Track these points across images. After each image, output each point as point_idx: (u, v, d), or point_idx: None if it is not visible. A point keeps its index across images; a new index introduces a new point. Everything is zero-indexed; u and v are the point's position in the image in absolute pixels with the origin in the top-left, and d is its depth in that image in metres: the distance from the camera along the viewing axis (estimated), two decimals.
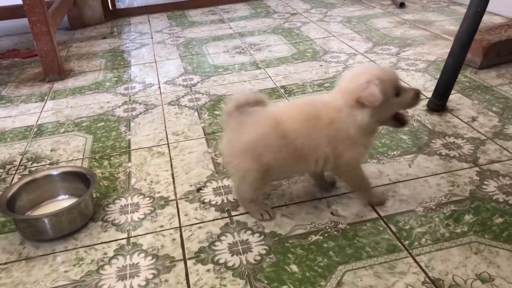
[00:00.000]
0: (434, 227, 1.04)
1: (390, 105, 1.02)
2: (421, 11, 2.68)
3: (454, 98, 1.62)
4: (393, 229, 1.05)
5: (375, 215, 1.10)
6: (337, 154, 1.03)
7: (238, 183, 1.10)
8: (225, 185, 1.25)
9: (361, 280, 0.92)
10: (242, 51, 2.27)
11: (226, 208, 1.16)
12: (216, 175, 1.29)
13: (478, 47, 1.82)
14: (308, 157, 1.04)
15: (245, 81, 1.90)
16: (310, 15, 2.79)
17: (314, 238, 1.04)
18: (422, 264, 0.95)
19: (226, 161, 1.10)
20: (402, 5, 2.78)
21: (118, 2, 3.11)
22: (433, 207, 1.10)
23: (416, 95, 1.04)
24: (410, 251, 0.98)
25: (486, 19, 2.40)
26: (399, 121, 1.07)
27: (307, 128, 1.02)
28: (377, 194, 1.15)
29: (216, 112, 1.65)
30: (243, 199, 1.13)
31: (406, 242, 1.01)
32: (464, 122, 1.46)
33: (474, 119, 1.48)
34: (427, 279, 0.91)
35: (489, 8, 2.54)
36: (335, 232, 1.05)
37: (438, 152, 1.32)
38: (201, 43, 2.42)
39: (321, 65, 2.01)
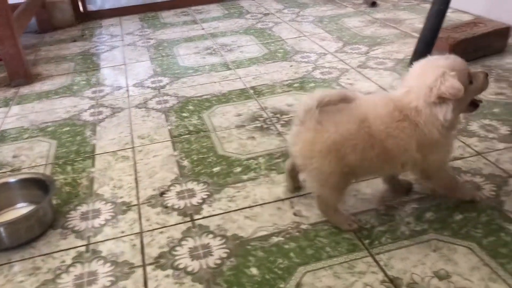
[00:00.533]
0: (395, 226, 1.04)
1: (468, 94, 0.97)
2: (392, 10, 2.70)
3: None
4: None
5: None
6: (424, 158, 0.98)
7: (320, 189, 1.02)
8: (189, 189, 1.23)
9: (320, 281, 0.92)
10: (213, 52, 2.25)
11: (189, 212, 1.15)
12: (181, 179, 1.28)
13: (444, 45, 1.84)
14: (395, 159, 0.98)
15: (215, 82, 1.89)
16: (283, 15, 2.79)
17: (275, 239, 1.03)
18: (381, 263, 0.95)
19: (303, 164, 1.00)
20: (373, 4, 2.79)
21: (89, 4, 3.06)
22: (395, 205, 1.11)
23: (486, 76, 1.01)
24: (370, 250, 0.98)
25: (455, 17, 2.43)
26: (473, 105, 1.03)
27: (396, 129, 0.95)
28: (468, 189, 1.12)
29: (183, 114, 1.64)
30: (327, 207, 1.05)
31: (367, 241, 1.01)
32: None
33: None
34: (385, 278, 0.91)
35: (458, 6, 2.58)
36: (297, 233, 1.05)
37: None
38: (172, 45, 2.40)
39: (291, 65, 2.01)
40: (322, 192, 1.02)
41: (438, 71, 0.94)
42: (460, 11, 2.53)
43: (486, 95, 1.57)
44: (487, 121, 1.43)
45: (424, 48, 1.47)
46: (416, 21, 2.44)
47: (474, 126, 1.41)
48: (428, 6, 2.69)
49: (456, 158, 1.26)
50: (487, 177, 1.18)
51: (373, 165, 0.98)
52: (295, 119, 1.01)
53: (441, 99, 0.93)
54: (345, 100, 0.96)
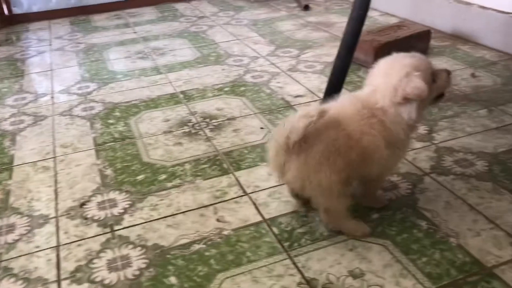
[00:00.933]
0: (314, 227, 1.06)
1: (431, 92, 0.98)
2: (324, 13, 2.76)
3: None
4: (275, 231, 1.06)
5: (259, 219, 1.10)
6: (390, 156, 0.99)
7: (326, 203, 1.00)
8: (110, 199, 1.20)
9: (238, 286, 0.92)
10: (145, 56, 2.21)
11: (109, 223, 1.11)
12: (102, 188, 1.24)
13: (369, 48, 1.90)
14: (372, 158, 0.97)
15: (144, 87, 1.86)
16: (218, 18, 2.79)
17: (197, 247, 1.02)
18: (299, 265, 0.96)
19: (301, 186, 0.98)
20: (306, 8, 2.85)
21: (14, 7, 2.92)
22: (316, 207, 1.12)
23: (448, 75, 1.02)
24: (289, 252, 0.99)
25: (383, 20, 2.52)
26: (437, 97, 1.04)
27: (367, 126, 0.95)
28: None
29: (109, 121, 1.59)
30: (338, 218, 1.02)
31: (286, 244, 1.02)
32: None
33: None
34: (302, 280, 0.92)
35: (386, 9, 2.68)
36: (219, 239, 1.04)
37: None
38: (103, 49, 2.34)
39: (223, 69, 2.00)
40: (330, 204, 1.00)
41: (403, 71, 0.95)
42: (389, 14, 2.63)
43: None
44: None
45: (346, 52, 1.51)
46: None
47: None
48: None
49: None
50: (404, 176, 1.22)
51: (356, 166, 0.98)
52: (275, 149, 0.97)
53: (406, 100, 0.95)
54: (322, 115, 0.94)
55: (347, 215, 1.03)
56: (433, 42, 2.12)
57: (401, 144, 0.99)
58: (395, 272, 0.93)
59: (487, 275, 0.91)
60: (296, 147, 0.94)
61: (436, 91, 1.02)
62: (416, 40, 2.00)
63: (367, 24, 2.47)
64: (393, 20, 2.51)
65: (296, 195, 1.11)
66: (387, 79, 0.96)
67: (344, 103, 1.01)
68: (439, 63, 1.93)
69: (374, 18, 2.60)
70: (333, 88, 1.57)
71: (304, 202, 1.11)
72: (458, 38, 2.21)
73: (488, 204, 1.10)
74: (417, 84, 0.93)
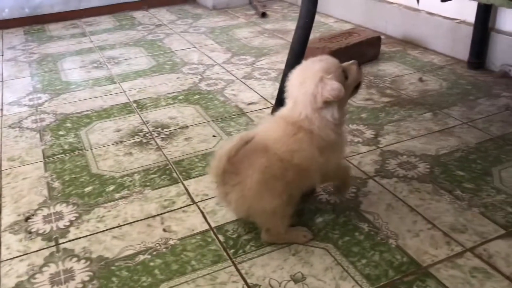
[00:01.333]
0: (259, 233, 1.08)
1: (347, 89, 1.02)
2: (281, 21, 2.80)
3: None
4: (221, 239, 1.07)
5: (206, 227, 1.11)
6: (327, 161, 1.02)
7: (269, 224, 1.02)
8: (56, 212, 1.18)
9: None
10: (100, 65, 2.19)
11: (54, 236, 1.10)
12: (49, 201, 1.23)
13: (321, 54, 1.93)
14: (310, 171, 1.00)
15: (97, 97, 1.84)
16: (175, 26, 2.79)
17: (142, 258, 1.02)
18: (243, 271, 0.97)
19: (247, 214, 1.01)
20: (263, 15, 2.88)
21: None
22: None
23: (358, 67, 1.06)
24: (234, 259, 1.01)
25: (337, 27, 2.58)
26: (355, 88, 1.09)
27: (295, 143, 0.98)
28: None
29: (60, 133, 1.57)
30: (279, 234, 1.04)
31: (232, 251, 1.03)
32: None
33: None
34: (245, 286, 0.94)
35: (340, 16, 2.74)
36: (164, 249, 1.05)
37: None
38: (57, 59, 2.30)
39: (178, 77, 2.01)
40: (272, 225, 1.02)
41: (316, 77, 0.98)
42: (343, 21, 2.69)
43: (356, 101, 1.68)
44: (354, 126, 1.53)
45: (294, 60, 1.53)
46: None
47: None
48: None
49: None
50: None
51: (299, 184, 1.01)
52: (215, 181, 1.00)
53: (327, 103, 0.98)
54: (246, 141, 0.96)
55: (287, 230, 1.04)
56: (384, 48, 2.18)
57: (334, 145, 1.03)
58: (335, 275, 0.95)
59: (423, 274, 0.95)
60: (231, 179, 0.97)
61: (351, 85, 1.06)
62: (367, 46, 2.06)
63: (322, 31, 2.53)
64: (347, 27, 2.56)
65: None
66: (303, 89, 0.99)
67: (270, 126, 1.05)
68: (389, 68, 1.98)
69: (329, 25, 2.65)
70: (283, 95, 1.59)
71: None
72: (408, 43, 2.28)
73: (427, 205, 1.14)
74: (332, 86, 0.96)
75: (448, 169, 1.28)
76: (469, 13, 1.94)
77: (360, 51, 2.01)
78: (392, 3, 2.37)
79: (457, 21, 2.03)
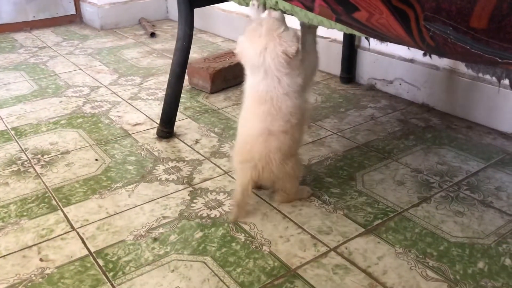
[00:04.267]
0: (140, 253, 1.10)
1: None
2: (170, 40, 2.84)
3: (184, 123, 1.75)
4: (101, 263, 1.07)
5: (85, 252, 1.11)
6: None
7: (290, 185, 1.22)
8: None
9: None
10: None
11: None
12: None
13: (206, 74, 2.01)
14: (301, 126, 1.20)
15: None
16: (60, 48, 2.71)
17: None
18: None
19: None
20: (153, 35, 2.90)
21: None
22: (143, 233, 1.17)
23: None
24: (113, 282, 1.02)
25: (226, 46, 2.67)
26: None
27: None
28: None
29: None
30: (295, 193, 1.26)
31: (111, 274, 1.04)
32: (188, 145, 1.59)
33: (197, 141, 1.62)
34: None
35: (228, 36, 2.84)
36: (41, 279, 1.03)
37: (158, 178, 1.40)
38: None
39: (61, 101, 1.96)
40: (292, 184, 1.23)
41: (275, 37, 1.09)
42: (230, 40, 2.80)
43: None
44: None
45: (175, 81, 1.59)
46: (191, 51, 2.61)
47: (226, 147, 1.57)
48: (203, 35, 2.91)
49: (205, 179, 1.39)
50: (229, 194, 1.32)
51: (299, 139, 1.22)
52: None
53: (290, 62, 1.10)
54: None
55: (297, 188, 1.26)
56: None
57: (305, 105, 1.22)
58: (211, 286, 1.00)
59: (292, 276, 1.03)
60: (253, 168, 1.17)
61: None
62: None
63: (210, 50, 2.61)
64: (234, 46, 2.66)
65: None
66: (271, 54, 1.10)
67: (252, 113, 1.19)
68: None
69: (217, 44, 2.74)
70: (168, 115, 1.64)
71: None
72: None
73: (298, 212, 1.24)
74: (291, 39, 1.10)
75: (318, 176, 1.40)
76: (339, 33, 2.13)
77: (242, 70, 2.11)
78: None
79: (330, 39, 2.22)
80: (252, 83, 1.14)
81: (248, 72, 1.15)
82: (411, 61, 1.90)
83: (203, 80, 2.03)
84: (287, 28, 1.09)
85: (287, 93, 1.11)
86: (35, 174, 1.43)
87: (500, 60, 0.79)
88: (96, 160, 1.50)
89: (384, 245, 1.12)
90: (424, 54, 0.96)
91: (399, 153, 1.52)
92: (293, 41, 1.06)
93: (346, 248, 1.11)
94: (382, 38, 0.97)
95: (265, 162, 1.15)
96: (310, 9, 1.06)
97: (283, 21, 1.11)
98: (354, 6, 0.94)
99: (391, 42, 0.98)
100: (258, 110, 1.13)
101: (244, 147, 1.17)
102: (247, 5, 1.33)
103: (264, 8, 1.21)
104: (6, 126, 1.74)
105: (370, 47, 2.04)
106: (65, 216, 1.23)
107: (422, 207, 1.25)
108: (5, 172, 1.44)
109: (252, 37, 1.09)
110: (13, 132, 1.69)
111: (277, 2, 1.16)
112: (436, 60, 1.80)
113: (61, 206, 1.27)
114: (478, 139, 1.60)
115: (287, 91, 1.10)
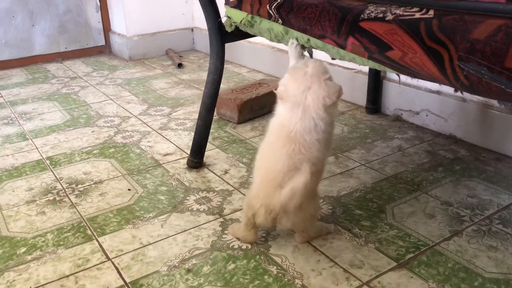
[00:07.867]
0: (174, 285, 1.12)
1: None
2: (197, 71, 2.91)
3: (213, 153, 1.78)
4: None
5: (121, 283, 1.13)
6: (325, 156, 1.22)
7: (310, 225, 1.22)
8: None
9: None
10: (11, 121, 2.15)
11: None
12: None
13: (233, 105, 2.05)
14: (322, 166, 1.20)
15: (7, 155, 1.80)
16: (91, 78, 2.80)
17: None
18: None
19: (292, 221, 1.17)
20: (180, 66, 2.98)
21: None
22: (176, 264, 1.18)
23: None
24: None
25: (251, 77, 2.73)
26: None
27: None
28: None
29: None
30: (315, 233, 1.26)
31: None
32: (217, 175, 1.62)
33: (226, 171, 1.65)
34: None
35: (253, 66, 2.90)
36: None
37: (190, 208, 1.43)
38: None
39: (93, 131, 2.02)
40: (312, 225, 1.23)
41: (320, 81, 1.09)
42: (255, 71, 2.85)
43: None
44: None
45: (205, 113, 1.63)
46: None
47: None
48: (228, 66, 2.98)
49: (235, 210, 1.41)
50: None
51: (317, 180, 1.20)
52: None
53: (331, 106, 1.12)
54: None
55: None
56: None
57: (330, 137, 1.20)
58: None
59: None
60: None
61: None
62: (275, 96, 2.20)
63: (236, 80, 2.67)
64: (259, 76, 2.73)
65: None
66: (312, 94, 1.09)
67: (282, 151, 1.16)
68: None
69: (243, 74, 2.80)
70: (198, 146, 1.67)
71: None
72: None
73: (330, 245, 1.25)
74: (335, 87, 1.09)
75: (348, 208, 1.41)
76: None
77: (270, 100, 2.15)
78: None
79: (354, 70, 2.25)
80: (284, 121, 1.12)
81: (282, 111, 1.14)
82: (438, 92, 1.91)
83: (231, 110, 2.07)
84: (331, 78, 1.09)
85: (319, 140, 1.11)
86: (70, 203, 1.47)
87: None
88: (129, 190, 1.54)
89: (417, 280, 1.11)
90: (455, 90, 0.98)
91: (429, 185, 1.52)
92: (334, 94, 1.06)
93: (379, 283, 1.11)
94: (415, 75, 1.00)
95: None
96: (343, 47, 1.10)
97: (327, 69, 1.12)
98: (387, 45, 0.96)
99: (423, 79, 1.00)
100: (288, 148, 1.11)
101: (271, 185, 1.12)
102: (278, 41, 1.37)
103: (303, 47, 1.24)
104: (41, 155, 1.80)
105: (400, 82, 2.06)
106: (100, 246, 1.26)
107: (454, 241, 1.24)
108: (42, 201, 1.48)
109: (297, 75, 1.10)
110: (48, 162, 1.75)
111: (309, 39, 1.20)
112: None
113: (96, 236, 1.30)
114: (508, 171, 1.59)
115: (319, 137, 1.11)
